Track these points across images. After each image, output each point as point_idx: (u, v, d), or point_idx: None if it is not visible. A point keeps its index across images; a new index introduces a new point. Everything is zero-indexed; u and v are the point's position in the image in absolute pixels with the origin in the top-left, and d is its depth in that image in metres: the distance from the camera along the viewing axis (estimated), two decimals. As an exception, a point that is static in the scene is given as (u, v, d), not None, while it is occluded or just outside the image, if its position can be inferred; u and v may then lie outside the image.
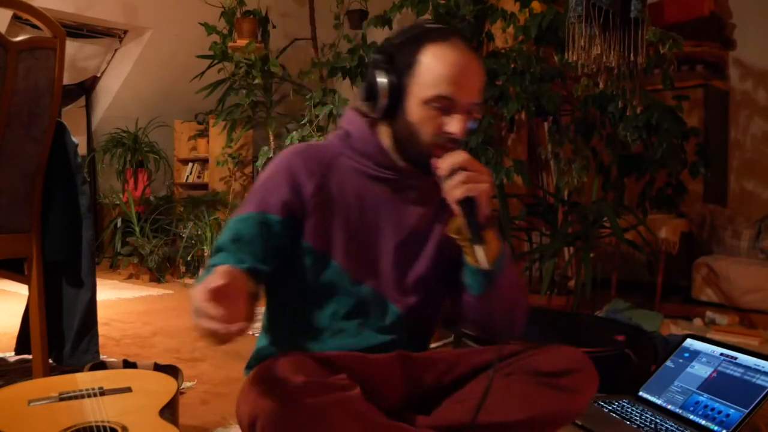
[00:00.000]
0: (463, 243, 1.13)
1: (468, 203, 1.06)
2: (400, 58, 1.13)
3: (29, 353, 1.91)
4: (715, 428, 1.48)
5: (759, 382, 1.51)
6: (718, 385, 1.59)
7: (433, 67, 1.10)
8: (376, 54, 1.15)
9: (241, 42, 4.80)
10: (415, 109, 1.12)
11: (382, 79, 1.13)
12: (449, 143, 1.11)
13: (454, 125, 1.11)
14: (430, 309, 1.28)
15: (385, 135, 1.19)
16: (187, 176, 5.79)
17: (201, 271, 1.24)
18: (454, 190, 1.07)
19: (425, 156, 1.12)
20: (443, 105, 1.10)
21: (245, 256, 1.10)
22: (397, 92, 1.12)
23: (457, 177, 1.06)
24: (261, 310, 1.10)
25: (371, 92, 1.15)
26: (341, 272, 1.16)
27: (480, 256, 1.06)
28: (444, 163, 1.08)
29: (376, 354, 1.16)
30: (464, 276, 1.19)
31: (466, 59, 1.12)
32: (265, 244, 1.12)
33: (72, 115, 5.55)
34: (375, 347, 1.17)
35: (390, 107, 1.13)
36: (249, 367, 1.23)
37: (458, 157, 1.08)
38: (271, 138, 5.07)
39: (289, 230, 1.14)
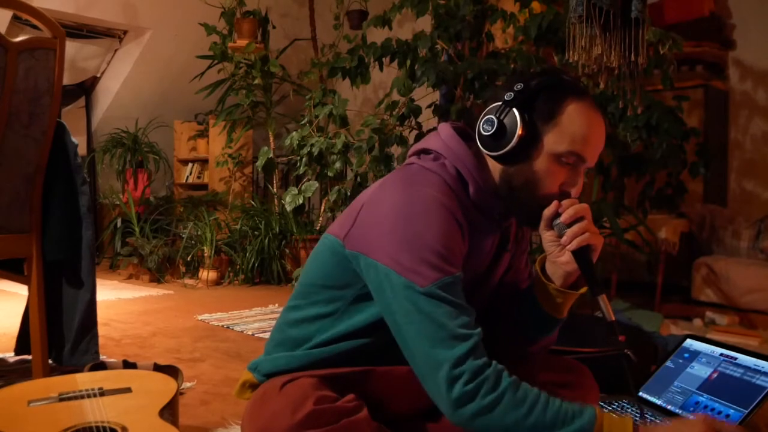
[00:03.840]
0: (555, 287, 1.12)
1: (585, 253, 1.06)
2: (540, 103, 1.07)
3: (29, 353, 1.90)
4: (715, 428, 1.48)
5: (759, 382, 1.51)
6: (718, 385, 1.59)
7: (576, 123, 1.06)
8: (515, 90, 1.07)
9: (241, 42, 4.80)
10: (543, 160, 1.07)
11: (519, 122, 1.05)
12: (562, 197, 1.09)
13: (576, 187, 1.08)
14: None
15: (491, 172, 1.13)
16: (187, 176, 5.79)
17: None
18: (574, 238, 1.06)
19: (532, 205, 1.09)
20: (571, 162, 1.07)
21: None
22: (532, 139, 1.07)
23: (579, 225, 1.06)
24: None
25: (500, 130, 1.07)
26: None
27: (604, 306, 1.04)
28: (569, 210, 1.06)
29: (384, 367, 1.15)
30: (527, 319, 1.18)
31: (600, 122, 1.09)
32: None
33: (72, 115, 5.55)
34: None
35: (517, 152, 1.07)
36: (258, 371, 1.20)
37: (581, 206, 1.07)
38: (271, 138, 5.07)
39: None
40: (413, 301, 0.99)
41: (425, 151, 1.16)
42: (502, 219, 1.16)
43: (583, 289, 1.14)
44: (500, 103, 1.08)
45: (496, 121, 1.07)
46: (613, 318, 1.05)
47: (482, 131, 1.08)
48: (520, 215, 1.14)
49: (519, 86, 1.08)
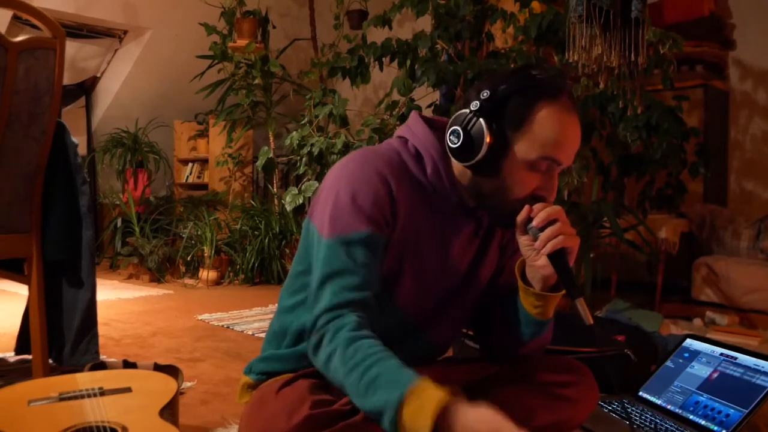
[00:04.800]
0: (533, 291, 1.11)
1: (561, 255, 1.04)
2: (509, 110, 1.03)
3: (29, 353, 1.90)
4: (715, 428, 1.48)
5: (759, 382, 1.51)
6: (718, 385, 1.59)
7: (548, 128, 1.02)
8: (483, 98, 1.04)
9: (241, 42, 4.80)
10: (514, 168, 1.04)
11: (487, 134, 1.03)
12: (532, 200, 1.07)
13: (550, 192, 1.07)
14: (458, 335, 1.30)
15: (461, 172, 1.11)
16: (187, 176, 5.79)
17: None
18: (548, 241, 1.03)
19: (503, 209, 1.08)
20: (545, 167, 1.05)
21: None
22: (500, 149, 1.04)
23: (552, 228, 1.03)
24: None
25: (468, 140, 1.04)
26: (397, 308, 1.13)
27: (582, 310, 1.02)
28: (541, 214, 1.04)
29: None
30: (515, 321, 1.17)
31: (574, 122, 1.05)
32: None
33: (72, 115, 5.55)
34: None
35: (486, 163, 1.05)
36: (252, 372, 1.21)
37: (553, 208, 1.04)
38: (271, 138, 5.07)
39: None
40: (318, 251, 1.05)
41: (398, 138, 1.18)
42: (466, 209, 1.15)
43: (564, 291, 1.12)
44: (467, 111, 1.06)
45: (461, 132, 1.05)
46: (591, 321, 1.03)
47: (449, 143, 1.07)
48: (491, 217, 1.14)
49: (485, 94, 1.04)
